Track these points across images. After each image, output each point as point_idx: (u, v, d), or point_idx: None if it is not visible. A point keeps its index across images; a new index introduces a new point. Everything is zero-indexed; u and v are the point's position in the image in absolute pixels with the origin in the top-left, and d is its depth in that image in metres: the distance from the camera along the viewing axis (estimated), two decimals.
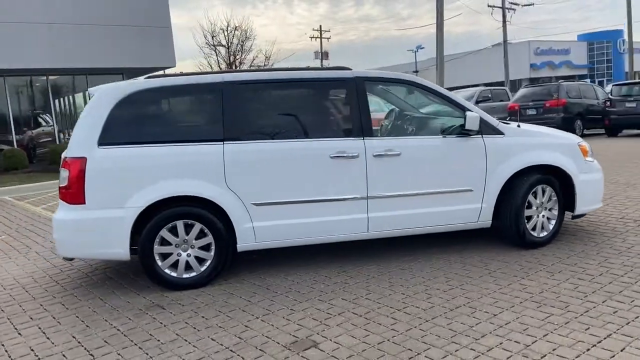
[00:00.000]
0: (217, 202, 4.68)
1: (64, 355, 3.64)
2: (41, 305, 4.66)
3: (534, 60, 57.60)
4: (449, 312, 3.93)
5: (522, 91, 18.57)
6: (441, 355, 3.29)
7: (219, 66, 12.96)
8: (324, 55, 46.86)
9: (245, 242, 4.82)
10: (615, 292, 4.08)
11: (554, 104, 16.73)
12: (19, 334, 4.07)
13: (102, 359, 3.55)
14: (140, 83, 4.81)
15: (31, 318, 4.37)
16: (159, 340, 3.78)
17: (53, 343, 3.85)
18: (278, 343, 3.61)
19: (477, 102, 19.62)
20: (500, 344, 3.39)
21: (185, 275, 4.75)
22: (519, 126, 5.44)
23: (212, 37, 12.87)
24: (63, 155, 4.72)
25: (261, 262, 5.38)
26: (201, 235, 4.74)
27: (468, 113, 5.00)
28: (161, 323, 4.07)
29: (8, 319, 4.40)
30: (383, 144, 4.93)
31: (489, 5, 41.25)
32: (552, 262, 4.85)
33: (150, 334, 3.89)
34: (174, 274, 4.73)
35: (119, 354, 3.60)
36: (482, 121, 5.10)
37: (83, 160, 4.56)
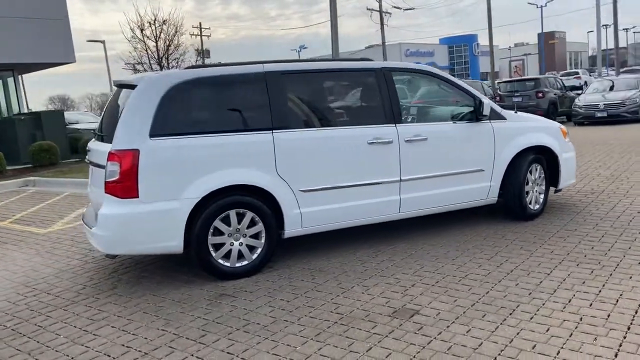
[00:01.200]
0: (269, 190, 4.76)
1: (172, 347, 3.57)
2: (90, 306, 4.42)
3: (405, 60, 61.40)
4: (508, 275, 4.41)
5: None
6: (534, 309, 3.74)
7: (149, 61, 12.48)
8: (206, 53, 46.05)
9: (292, 228, 4.95)
10: (626, 246, 4.84)
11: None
12: (95, 334, 3.87)
13: (215, 345, 3.55)
14: (188, 73, 4.73)
15: (92, 319, 4.15)
16: (259, 324, 3.83)
17: (146, 338, 3.74)
18: (380, 314, 3.85)
19: None
20: (574, 295, 3.93)
21: (237, 265, 4.77)
22: (516, 112, 6.12)
23: (142, 31, 12.32)
24: (111, 148, 4.49)
25: (284, 250, 5.48)
26: (251, 223, 4.79)
27: (485, 100, 5.57)
28: (245, 309, 4.10)
29: (65, 322, 4.14)
30: (412, 129, 5.32)
31: (368, 9, 43.32)
32: (556, 230, 5.55)
33: (245, 319, 3.92)
34: (227, 264, 4.73)
35: (230, 339, 3.61)
36: (491, 108, 5.69)
37: (135, 152, 4.40)
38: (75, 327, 4.04)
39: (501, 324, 3.56)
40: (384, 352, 3.29)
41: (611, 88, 17.69)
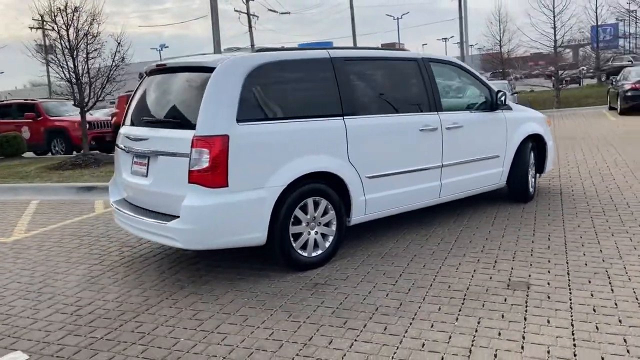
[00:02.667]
0: (342, 176, 4.70)
1: (326, 335, 3.42)
2: (182, 307, 4.01)
3: None
4: (557, 247, 4.85)
5: None
6: (621, 270, 4.20)
7: (63, 51, 11.14)
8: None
9: (357, 215, 4.93)
10: (627, 219, 5.57)
11: None
12: (222, 333, 3.55)
13: (371, 328, 3.47)
14: (267, 55, 4.50)
15: (199, 319, 3.79)
16: (388, 307, 3.79)
17: (286, 330, 3.52)
18: (497, 287, 4.04)
19: None
20: (618, 248, 4.49)
21: (313, 254, 4.63)
22: (506, 104, 6.65)
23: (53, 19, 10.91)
24: (195, 134, 4.10)
25: None
26: (324, 212, 4.69)
27: (505, 92, 6.03)
28: (359, 294, 4.02)
29: (180, 326, 3.72)
30: (451, 117, 5.58)
31: (235, 10, 42.99)
32: (558, 210, 6.18)
33: (370, 303, 3.85)
34: (305, 254, 4.58)
35: (378, 322, 3.54)
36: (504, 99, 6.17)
37: (225, 138, 4.09)
38: (198, 330, 3.65)
39: (610, 283, 3.95)
40: (541, 319, 3.48)
41: None
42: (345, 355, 3.18)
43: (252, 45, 43.58)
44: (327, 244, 4.71)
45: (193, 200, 4.09)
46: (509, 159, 6.24)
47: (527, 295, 3.85)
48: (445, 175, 5.55)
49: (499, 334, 3.32)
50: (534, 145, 6.61)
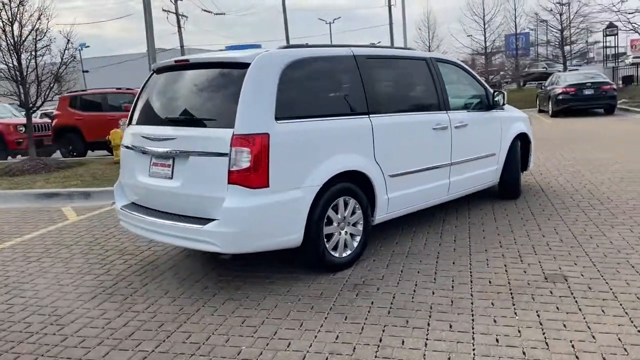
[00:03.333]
0: (370, 175, 4.65)
1: (396, 335, 3.36)
2: (229, 315, 3.80)
3: None
4: (568, 240, 5.05)
5: None
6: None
7: (9, 50, 10.25)
8: None
9: (380, 214, 4.89)
10: (617, 212, 5.90)
11: None
12: (284, 338, 3.40)
13: (439, 325, 3.44)
14: (299, 51, 4.37)
15: (251, 325, 3.60)
16: (440, 304, 3.79)
17: (349, 333, 3.42)
18: (536, 280, 4.12)
19: None
20: (624, 239, 4.77)
21: (344, 255, 4.55)
22: (504, 104, 6.87)
23: None
24: (235, 132, 3.90)
25: None
26: (352, 212, 4.62)
27: (502, 91, 6.21)
28: (404, 293, 3.98)
29: (236, 333, 3.51)
30: (458, 116, 5.66)
31: (164, 10, 41.77)
32: (549, 205, 6.44)
33: (422, 302, 3.83)
34: (336, 255, 4.48)
35: (442, 320, 3.52)
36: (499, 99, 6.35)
37: (265, 136, 3.93)
38: (256, 336, 3.47)
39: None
40: (595, 309, 3.59)
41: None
42: (425, 354, 3.13)
43: (182, 47, 42.50)
44: (355, 244, 4.64)
45: (234, 202, 3.89)
46: (502, 157, 6.43)
47: (569, 287, 3.96)
48: (453, 173, 5.63)
49: (564, 325, 3.39)
50: (521, 143, 6.85)
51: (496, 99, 6.20)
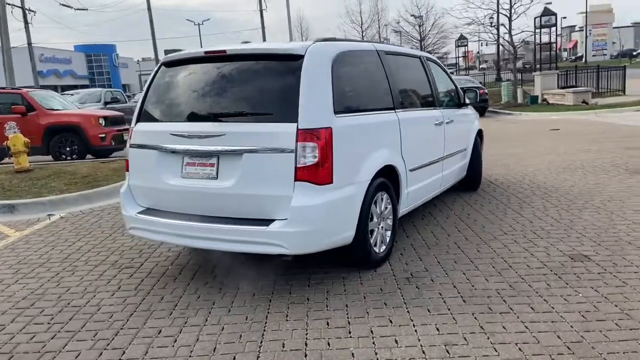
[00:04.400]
0: (399, 170, 4.69)
1: (484, 330, 3.44)
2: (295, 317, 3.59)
3: (40, 67, 55.18)
4: (558, 223, 5.53)
5: None
6: None
7: None
8: None
9: (402, 208, 4.94)
10: (572, 198, 6.58)
11: None
12: (375, 338, 3.32)
13: (511, 317, 3.58)
14: (340, 44, 4.26)
15: (333, 325, 3.45)
16: (504, 289, 3.94)
17: (439, 331, 3.44)
18: (566, 261, 4.44)
19: (106, 103, 18.94)
20: (602, 221, 5.35)
21: (381, 250, 4.53)
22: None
23: None
24: (300, 126, 3.68)
25: None
26: (384, 206, 4.61)
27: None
28: (462, 282, 4.08)
29: (315, 330, 3.32)
30: (447, 113, 5.89)
31: (7, 3, 37.54)
32: (509, 193, 6.96)
33: (485, 290, 3.96)
34: (376, 250, 4.45)
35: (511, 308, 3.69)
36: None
37: (329, 130, 3.79)
38: (355, 336, 3.31)
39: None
40: (618, 281, 3.99)
41: None
42: (533, 334, 3.24)
43: (30, 44, 38.67)
44: (388, 239, 4.64)
45: (304, 200, 3.70)
46: (469, 152, 6.82)
47: (599, 265, 4.34)
48: (444, 167, 5.86)
49: (627, 298, 3.70)
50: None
51: (467, 96, 6.56)
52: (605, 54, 79.60)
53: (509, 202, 6.48)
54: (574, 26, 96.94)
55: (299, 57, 3.88)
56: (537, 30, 26.20)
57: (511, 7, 25.07)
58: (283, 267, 4.50)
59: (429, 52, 38.47)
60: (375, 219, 4.40)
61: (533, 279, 4.11)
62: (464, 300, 3.77)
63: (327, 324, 3.52)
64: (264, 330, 3.47)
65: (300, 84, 3.77)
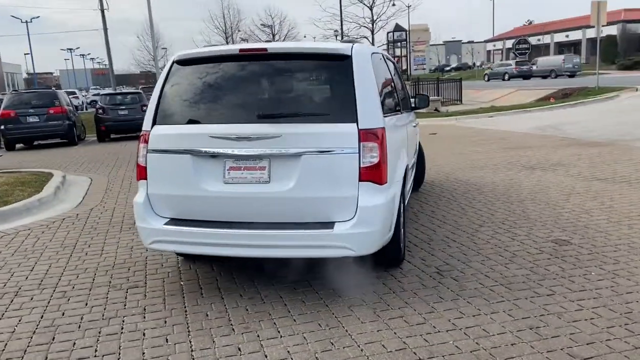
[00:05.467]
0: (409, 170, 4.85)
1: (546, 315, 3.75)
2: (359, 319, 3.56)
3: None
4: (517, 214, 6.14)
5: (11, 97, 16.97)
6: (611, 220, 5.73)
7: None
8: None
9: None
10: (502, 194, 7.32)
11: (59, 111, 16.49)
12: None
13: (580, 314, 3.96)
14: (370, 46, 4.26)
15: (413, 322, 3.51)
16: (536, 274, 4.30)
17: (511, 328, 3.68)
18: (556, 244, 4.95)
19: None
20: (540, 206, 6.12)
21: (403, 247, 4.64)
22: None
23: None
24: (360, 126, 3.65)
25: None
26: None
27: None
28: (494, 271, 4.36)
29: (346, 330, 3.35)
30: (409, 116, 6.16)
31: None
32: (451, 189, 7.50)
33: (512, 276, 4.27)
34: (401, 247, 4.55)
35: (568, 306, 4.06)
36: None
37: (383, 130, 3.84)
38: (443, 329, 3.38)
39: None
40: (610, 259, 4.63)
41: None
42: (600, 316, 3.53)
43: None
44: (402, 237, 4.77)
45: (369, 200, 3.69)
46: (416, 154, 7.22)
47: (582, 247, 4.91)
48: (411, 172, 6.14)
49: (630, 273, 4.28)
50: None
51: (417, 99, 6.92)
52: (425, 69, 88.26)
53: (456, 198, 6.99)
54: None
55: (346, 57, 3.86)
56: (391, 45, 28.28)
57: (373, 22, 26.79)
58: (303, 274, 4.41)
59: None
60: (401, 218, 4.50)
61: (543, 263, 4.52)
62: (507, 288, 4.03)
63: (406, 321, 3.55)
64: (345, 335, 3.38)
65: (355, 84, 3.76)
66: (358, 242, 3.68)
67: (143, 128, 4.06)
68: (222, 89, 4.05)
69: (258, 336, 3.41)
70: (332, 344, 3.28)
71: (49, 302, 4.10)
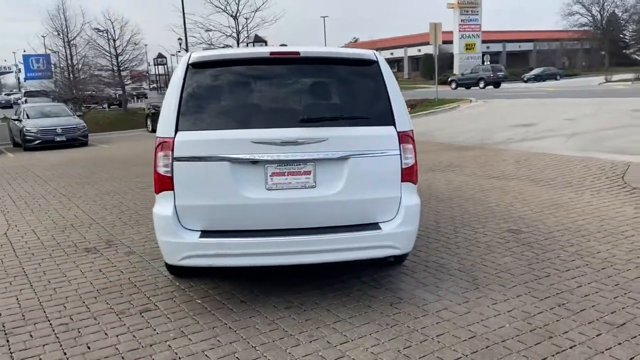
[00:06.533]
0: None
1: (574, 302, 4.23)
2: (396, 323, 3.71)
3: None
4: (490, 209, 6.72)
5: None
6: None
7: None
8: None
9: None
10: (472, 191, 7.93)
11: None
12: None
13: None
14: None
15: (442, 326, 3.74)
16: (544, 269, 4.75)
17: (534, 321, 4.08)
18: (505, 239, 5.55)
19: None
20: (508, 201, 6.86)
21: None
22: None
23: None
24: (399, 129, 3.76)
25: None
26: None
27: None
28: (501, 268, 4.75)
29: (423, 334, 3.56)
30: None
31: None
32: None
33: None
34: None
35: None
36: None
37: (412, 132, 4.01)
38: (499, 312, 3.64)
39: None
40: (584, 240, 5.35)
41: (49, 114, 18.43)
42: (604, 287, 4.10)
43: None
44: None
45: (411, 199, 3.88)
46: None
47: (534, 234, 5.55)
48: None
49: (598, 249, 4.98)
50: None
51: None
52: None
53: (437, 197, 7.34)
54: None
55: (373, 62, 3.97)
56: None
57: (238, 32, 26.73)
58: (325, 277, 4.40)
59: (126, 68, 36.89)
60: None
61: (518, 250, 5.04)
62: (510, 274, 4.45)
63: (453, 312, 3.75)
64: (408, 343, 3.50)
65: (387, 88, 3.89)
66: (403, 240, 3.82)
67: (159, 135, 3.73)
68: (255, 93, 3.90)
69: (329, 342, 3.36)
70: (408, 341, 3.36)
71: (59, 339, 3.54)
